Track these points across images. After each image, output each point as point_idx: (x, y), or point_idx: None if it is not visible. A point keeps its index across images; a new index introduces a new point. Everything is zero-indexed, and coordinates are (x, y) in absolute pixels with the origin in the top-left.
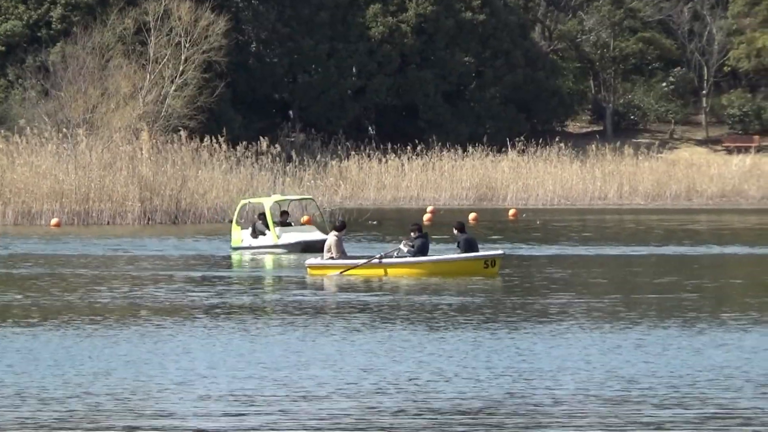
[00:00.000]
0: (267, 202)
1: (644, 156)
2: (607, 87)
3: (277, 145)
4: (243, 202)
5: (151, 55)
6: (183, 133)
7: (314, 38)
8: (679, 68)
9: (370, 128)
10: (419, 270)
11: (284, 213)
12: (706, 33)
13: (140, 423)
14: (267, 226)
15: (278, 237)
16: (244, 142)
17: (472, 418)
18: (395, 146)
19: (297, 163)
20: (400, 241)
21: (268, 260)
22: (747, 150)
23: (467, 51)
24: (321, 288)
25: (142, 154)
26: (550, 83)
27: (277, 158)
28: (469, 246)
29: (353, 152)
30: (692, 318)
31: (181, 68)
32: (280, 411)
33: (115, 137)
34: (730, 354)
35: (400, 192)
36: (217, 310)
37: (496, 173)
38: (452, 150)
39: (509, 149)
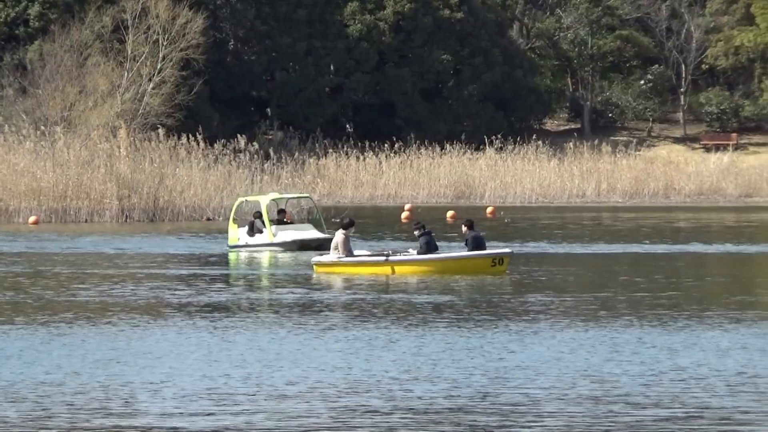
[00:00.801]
0: (263, 200)
1: (622, 154)
2: (585, 85)
3: (254, 143)
4: (240, 200)
5: (129, 52)
6: (161, 131)
7: (292, 36)
8: (656, 66)
9: (347, 126)
10: (427, 268)
11: (281, 211)
12: (684, 31)
13: (110, 422)
14: (264, 224)
15: (274, 235)
16: (222, 140)
17: (444, 419)
18: (373, 144)
19: (275, 161)
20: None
21: (264, 258)
22: (725, 148)
23: (445, 49)
24: (305, 286)
25: (119, 151)
26: (528, 81)
27: (255, 156)
28: (477, 244)
29: (331, 150)
30: (668, 317)
31: (158, 66)
32: (249, 411)
33: (92, 135)
34: (706, 353)
35: (377, 190)
36: (194, 309)
37: (473, 171)
38: (430, 148)
39: (487, 147)
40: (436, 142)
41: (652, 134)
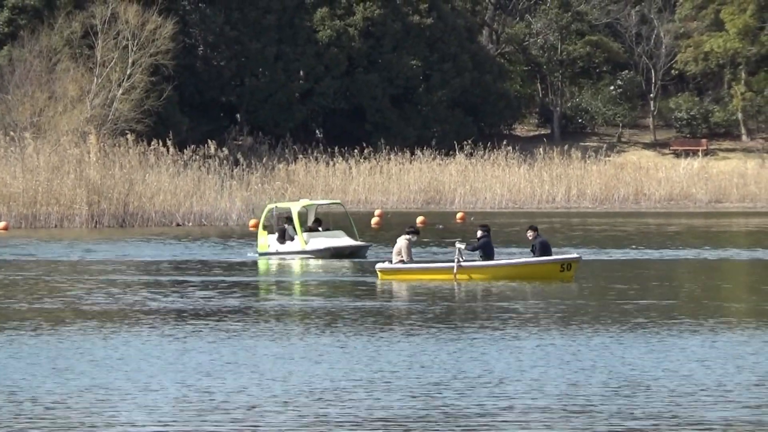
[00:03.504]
0: (294, 207)
1: (592, 159)
2: (555, 90)
3: (224, 149)
4: (270, 206)
5: (99, 58)
6: (130, 137)
7: (261, 41)
8: (626, 71)
9: (317, 131)
10: (495, 273)
11: (317, 220)
12: (654, 36)
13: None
14: (296, 231)
15: (306, 243)
16: (192, 146)
17: (403, 430)
18: (343, 149)
19: (244, 167)
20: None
21: (295, 266)
22: (695, 153)
23: (414, 54)
24: (290, 293)
25: (89, 157)
26: (498, 87)
27: (225, 161)
28: (545, 249)
29: (300, 155)
30: (635, 324)
31: (128, 71)
32: (201, 421)
33: (62, 140)
34: (676, 362)
35: (347, 195)
36: (164, 316)
37: (443, 177)
38: (400, 153)
39: (457, 152)
40: (405, 147)
41: (622, 140)
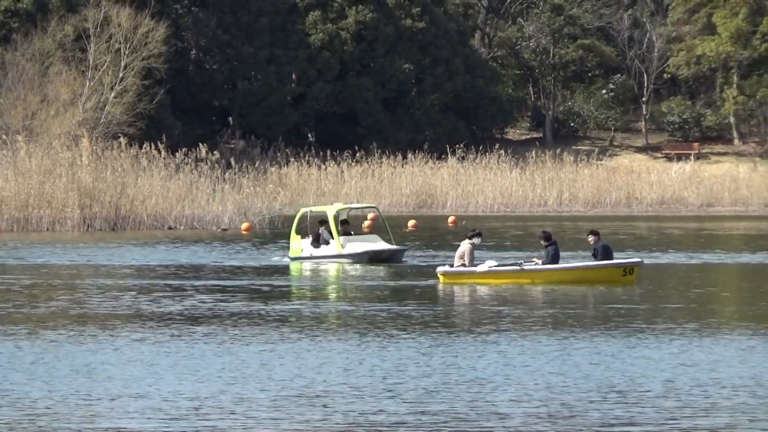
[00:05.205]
0: (330, 211)
1: (584, 163)
2: (547, 94)
3: (216, 152)
4: (303, 210)
5: (91, 61)
6: (122, 140)
7: (254, 45)
8: (618, 75)
9: (309, 135)
10: (557, 277)
11: (344, 222)
12: (646, 40)
13: None
14: (332, 235)
15: (343, 246)
16: (184, 149)
17: None
18: (335, 153)
19: (236, 170)
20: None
21: (332, 270)
22: (687, 157)
23: (407, 58)
24: (297, 298)
25: (81, 160)
26: (490, 90)
27: (216, 165)
28: (606, 254)
29: (293, 159)
30: (627, 329)
31: (120, 75)
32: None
33: (54, 144)
34: (661, 367)
35: (339, 199)
36: (147, 321)
37: (435, 180)
38: (392, 157)
39: (449, 156)
40: (398, 151)
41: (614, 143)
